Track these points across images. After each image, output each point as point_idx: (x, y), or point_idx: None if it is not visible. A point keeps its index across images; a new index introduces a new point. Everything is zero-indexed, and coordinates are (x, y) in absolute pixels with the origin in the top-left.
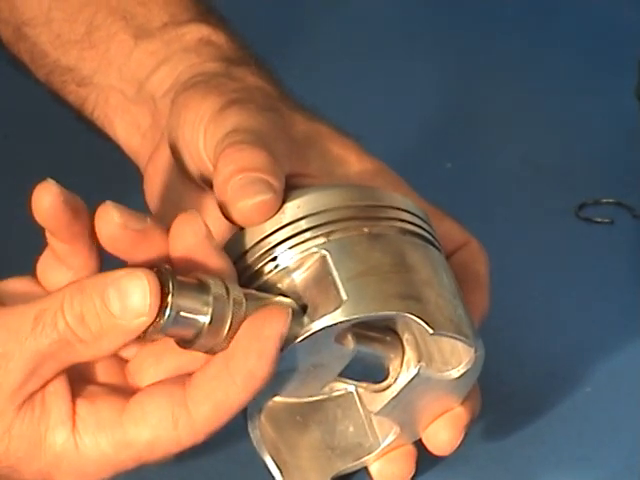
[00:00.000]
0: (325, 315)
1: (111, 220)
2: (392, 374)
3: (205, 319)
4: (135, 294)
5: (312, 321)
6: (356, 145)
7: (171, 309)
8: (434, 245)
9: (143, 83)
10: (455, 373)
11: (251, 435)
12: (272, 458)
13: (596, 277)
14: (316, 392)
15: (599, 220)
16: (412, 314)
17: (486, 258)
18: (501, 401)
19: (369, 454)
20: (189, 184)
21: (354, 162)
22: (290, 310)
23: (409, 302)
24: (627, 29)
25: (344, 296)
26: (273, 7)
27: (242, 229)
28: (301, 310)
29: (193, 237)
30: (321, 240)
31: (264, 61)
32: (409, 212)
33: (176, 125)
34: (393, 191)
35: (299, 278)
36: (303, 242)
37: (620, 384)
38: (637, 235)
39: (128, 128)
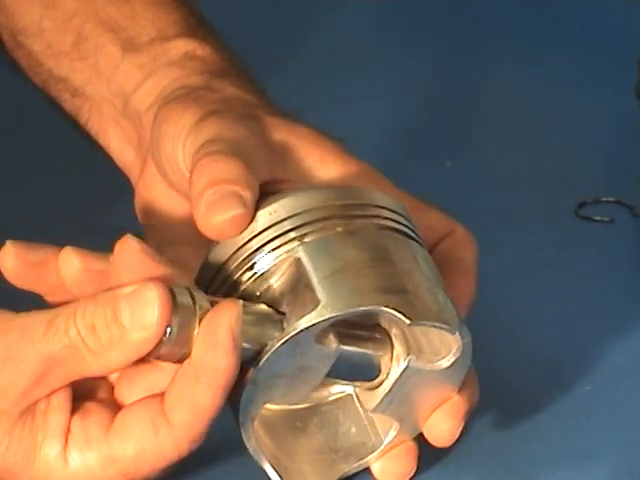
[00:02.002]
0: (302, 317)
1: (72, 264)
2: (383, 370)
3: (171, 328)
4: (146, 308)
5: (290, 325)
6: (338, 147)
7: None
8: (413, 239)
9: (129, 97)
10: (445, 363)
11: (247, 445)
12: (272, 465)
13: (596, 275)
14: (307, 395)
15: (599, 219)
16: (387, 307)
17: (473, 245)
18: (501, 399)
19: (372, 452)
20: (176, 197)
21: (336, 165)
22: (241, 303)
23: (385, 295)
24: (627, 28)
25: (319, 296)
26: (269, 9)
27: (217, 243)
28: (280, 315)
29: (130, 256)
30: (295, 243)
31: (249, 70)
32: (386, 208)
33: (157, 139)
34: (373, 189)
35: (276, 284)
36: (277, 247)
37: (620, 382)
38: (637, 234)
39: (121, 142)
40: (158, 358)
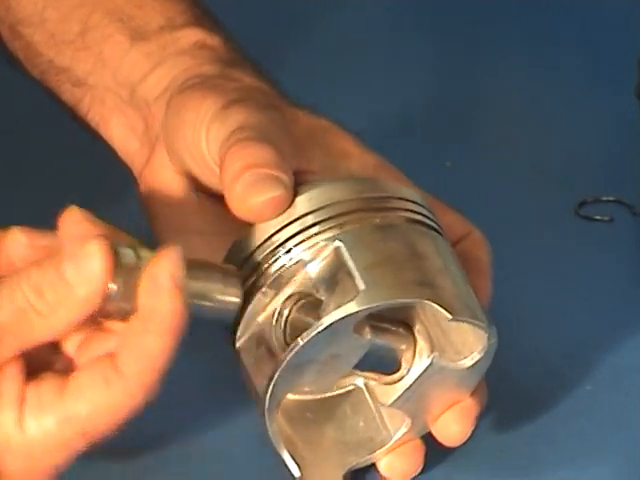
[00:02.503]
0: (344, 304)
1: (19, 242)
2: (404, 365)
3: (116, 283)
4: (90, 261)
5: (330, 311)
6: (357, 140)
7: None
8: (441, 235)
9: (136, 86)
10: (468, 362)
11: (269, 430)
12: (289, 454)
13: (596, 275)
14: (332, 384)
15: (599, 218)
16: (431, 300)
17: (488, 247)
18: (501, 399)
19: (381, 447)
20: (186, 185)
21: (356, 157)
22: (179, 247)
23: (426, 289)
24: (627, 28)
25: (362, 285)
26: (268, 6)
27: (249, 227)
28: (318, 302)
29: (74, 225)
30: (334, 232)
31: (259, 63)
32: (415, 202)
33: (175, 127)
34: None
35: (314, 270)
36: (316, 234)
37: (621, 382)
38: (637, 233)
39: (124, 131)
40: (107, 316)
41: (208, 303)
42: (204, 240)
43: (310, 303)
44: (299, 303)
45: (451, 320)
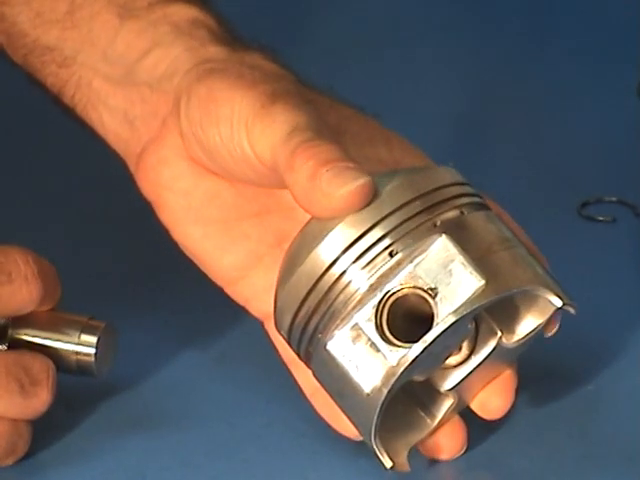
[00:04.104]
0: (468, 298)
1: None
2: (465, 351)
3: None
4: None
5: (453, 304)
6: (380, 125)
7: None
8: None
9: (132, 66)
10: (522, 340)
11: (373, 423)
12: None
13: (598, 275)
14: (428, 374)
15: (601, 218)
16: (544, 287)
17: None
18: None
19: (427, 429)
20: (203, 174)
21: (382, 144)
22: None
23: (537, 276)
24: (628, 28)
25: (481, 277)
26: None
27: (324, 223)
28: (430, 294)
29: None
30: (435, 221)
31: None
32: (471, 186)
33: (207, 122)
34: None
35: (420, 262)
36: (418, 226)
37: (622, 382)
38: (639, 233)
39: (115, 114)
40: None
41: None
42: (218, 228)
43: (417, 296)
44: (405, 297)
45: (562, 307)
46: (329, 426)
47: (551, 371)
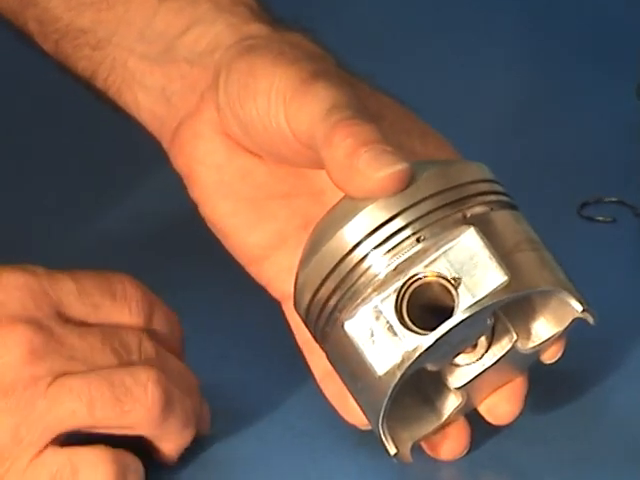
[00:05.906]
0: (491, 291)
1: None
2: (479, 350)
3: None
4: None
5: (474, 296)
6: (416, 117)
7: None
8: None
9: (173, 43)
10: (537, 347)
11: (382, 408)
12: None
13: (598, 276)
14: (442, 365)
15: (601, 219)
16: (566, 290)
17: None
18: None
19: (432, 426)
20: (237, 150)
21: (417, 136)
22: None
23: (558, 279)
24: (628, 28)
25: (505, 273)
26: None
27: (348, 203)
28: (453, 283)
29: None
30: (465, 213)
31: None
32: (502, 185)
33: (245, 96)
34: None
35: (447, 251)
36: (447, 217)
37: (623, 382)
38: (639, 234)
39: (151, 92)
40: None
41: None
42: (247, 205)
43: (439, 285)
44: (427, 285)
45: (582, 311)
46: (332, 422)
47: (551, 371)
